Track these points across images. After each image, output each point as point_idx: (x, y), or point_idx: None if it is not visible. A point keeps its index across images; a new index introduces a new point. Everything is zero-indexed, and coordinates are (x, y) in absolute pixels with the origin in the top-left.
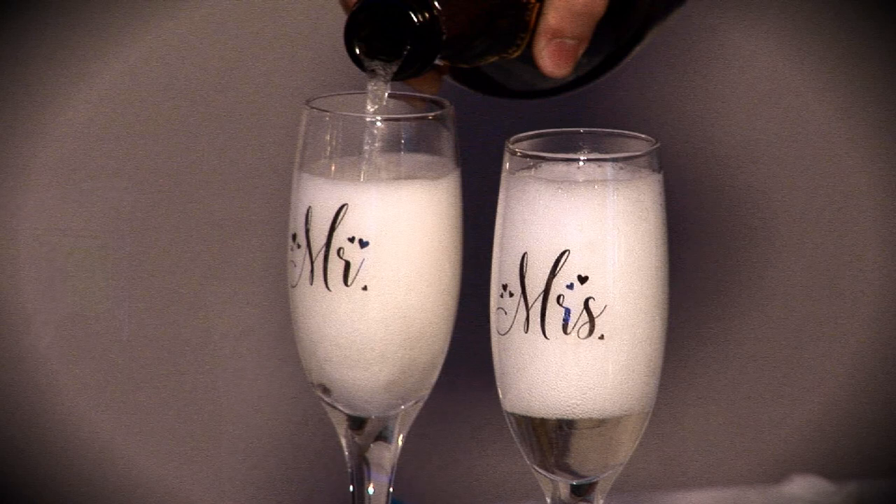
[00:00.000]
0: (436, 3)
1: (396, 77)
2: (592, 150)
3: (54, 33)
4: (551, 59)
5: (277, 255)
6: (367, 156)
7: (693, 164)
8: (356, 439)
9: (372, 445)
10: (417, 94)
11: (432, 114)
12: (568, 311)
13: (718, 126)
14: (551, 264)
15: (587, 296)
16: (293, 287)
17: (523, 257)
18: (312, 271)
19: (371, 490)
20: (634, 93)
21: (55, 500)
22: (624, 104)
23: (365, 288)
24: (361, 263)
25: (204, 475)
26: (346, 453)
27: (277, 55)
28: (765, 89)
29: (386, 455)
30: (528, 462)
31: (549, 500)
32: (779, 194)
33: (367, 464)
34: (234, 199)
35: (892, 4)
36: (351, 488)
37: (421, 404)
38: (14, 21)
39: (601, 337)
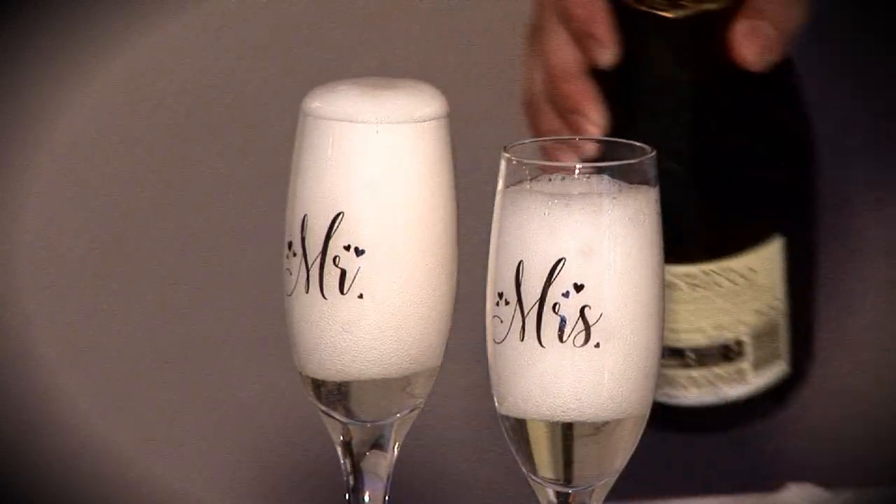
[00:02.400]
0: None
1: None
2: (589, 159)
3: (54, 37)
4: (748, 41)
5: (274, 263)
6: (363, 164)
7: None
8: (352, 447)
9: (368, 453)
10: None
11: (428, 120)
12: (564, 320)
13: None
14: (547, 272)
15: (583, 304)
16: (289, 295)
17: (519, 265)
18: (308, 279)
19: (367, 498)
20: None
21: (54, 501)
22: None
23: (361, 296)
24: (357, 272)
25: (199, 483)
26: (342, 461)
27: (274, 62)
28: None
29: (382, 463)
30: (523, 470)
31: None
32: None
33: (363, 472)
34: (230, 206)
35: None
36: (347, 496)
37: (417, 412)
38: (13, 23)
39: (597, 345)
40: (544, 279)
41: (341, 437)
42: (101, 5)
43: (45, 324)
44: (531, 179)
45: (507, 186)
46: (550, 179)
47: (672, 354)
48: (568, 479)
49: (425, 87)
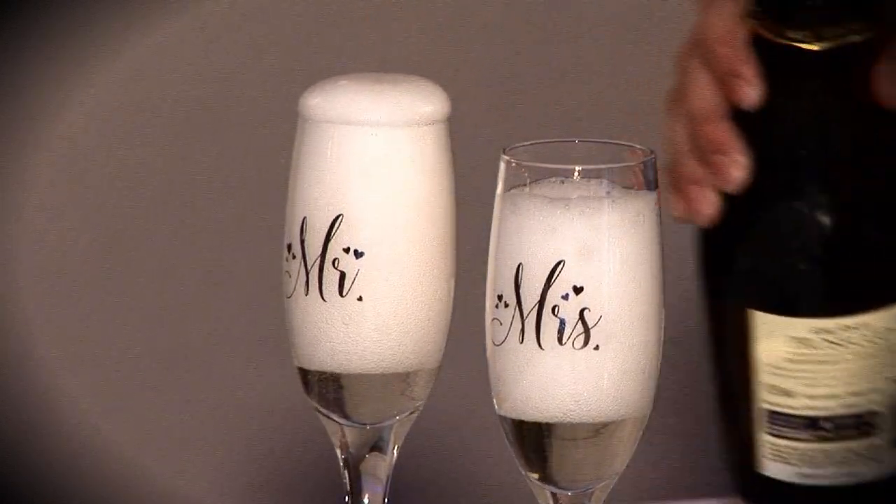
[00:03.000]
0: None
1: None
2: (588, 161)
3: (54, 37)
4: (892, 79)
5: (274, 265)
6: (363, 166)
7: None
8: (351, 450)
9: (367, 456)
10: None
11: (430, 119)
12: (563, 322)
13: None
14: (546, 275)
15: (582, 306)
16: (288, 297)
17: (518, 268)
18: (308, 282)
19: (366, 500)
20: (632, 100)
21: (54, 501)
22: (622, 112)
23: (360, 298)
24: (357, 274)
25: (199, 483)
26: (341, 464)
27: (274, 63)
28: None
29: (381, 465)
30: (523, 472)
31: None
32: None
33: (362, 474)
34: (230, 207)
35: None
36: (346, 499)
37: (416, 414)
38: (13, 23)
39: (596, 347)
40: (544, 281)
41: (340, 440)
42: (101, 5)
43: (45, 324)
44: (530, 182)
45: (506, 189)
46: (549, 185)
47: (808, 426)
48: (567, 482)
49: (427, 84)
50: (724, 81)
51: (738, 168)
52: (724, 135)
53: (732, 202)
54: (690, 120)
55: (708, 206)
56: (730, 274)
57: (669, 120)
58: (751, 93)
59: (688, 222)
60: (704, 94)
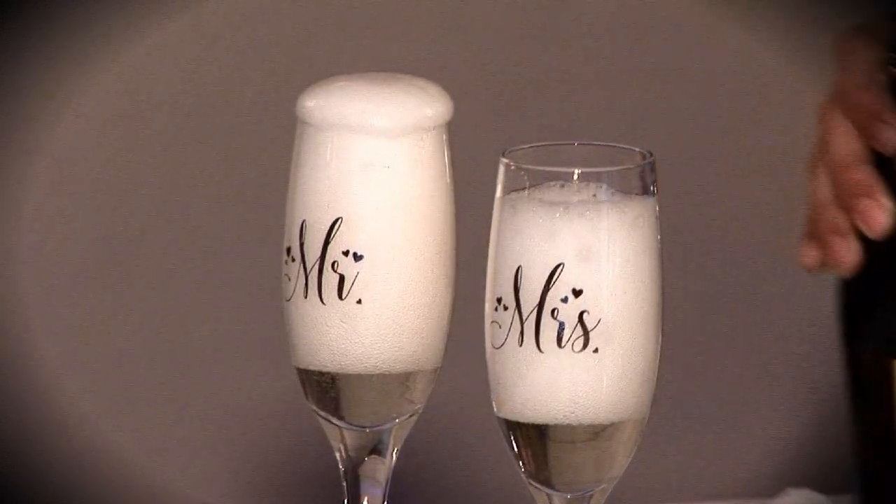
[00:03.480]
0: None
1: None
2: (587, 164)
3: (54, 37)
4: None
5: (273, 268)
6: (362, 169)
7: (691, 175)
8: (350, 453)
9: (366, 459)
10: None
11: (426, 127)
12: (562, 325)
13: (717, 136)
14: (546, 278)
15: (581, 309)
16: (287, 301)
17: (518, 270)
18: (307, 285)
19: (365, 503)
20: (631, 101)
21: (54, 501)
22: (622, 116)
23: (359, 301)
24: (356, 277)
25: (198, 485)
26: (341, 467)
27: (272, 68)
28: (767, 96)
29: (380, 468)
30: (522, 475)
31: None
32: (778, 205)
33: (362, 477)
34: (229, 209)
35: None
36: (345, 502)
37: (416, 417)
38: (13, 23)
39: (595, 350)
40: (543, 284)
41: (339, 443)
42: (100, 5)
43: (45, 324)
44: (530, 185)
45: (505, 192)
46: (549, 185)
47: None
48: (566, 485)
49: (429, 86)
50: (865, 127)
51: (882, 211)
52: (868, 178)
53: (874, 250)
54: (832, 169)
55: (849, 254)
56: (870, 323)
57: (811, 174)
58: (893, 136)
59: (823, 272)
60: (846, 142)
